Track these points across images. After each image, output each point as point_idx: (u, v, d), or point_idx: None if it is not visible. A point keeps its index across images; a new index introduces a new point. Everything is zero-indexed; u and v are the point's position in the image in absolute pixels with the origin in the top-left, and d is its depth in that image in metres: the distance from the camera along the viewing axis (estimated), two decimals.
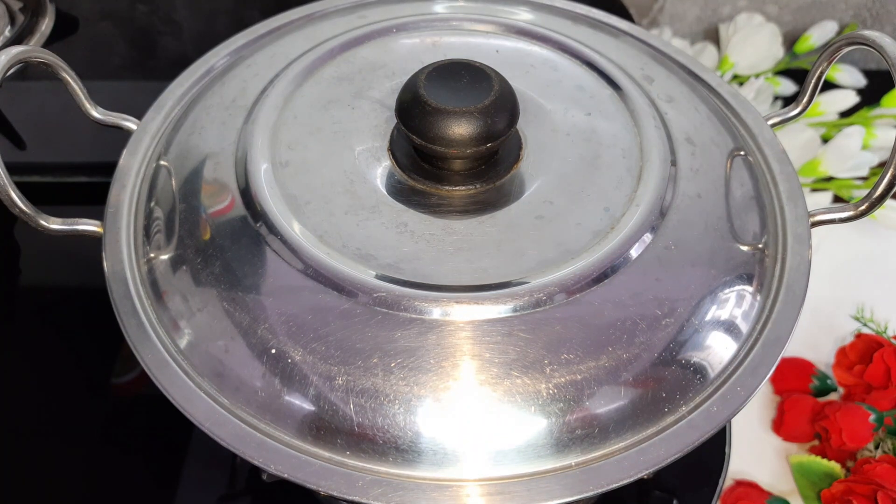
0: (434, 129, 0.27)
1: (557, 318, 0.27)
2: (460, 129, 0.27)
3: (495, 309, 0.26)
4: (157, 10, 0.63)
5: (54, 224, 0.30)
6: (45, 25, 0.58)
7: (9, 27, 0.57)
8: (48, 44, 0.57)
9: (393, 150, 0.31)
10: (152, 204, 0.31)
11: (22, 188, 0.29)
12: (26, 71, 0.56)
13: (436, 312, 0.26)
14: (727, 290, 0.29)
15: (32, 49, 0.30)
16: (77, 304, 0.50)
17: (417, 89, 0.28)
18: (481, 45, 0.35)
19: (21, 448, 0.44)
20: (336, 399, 0.26)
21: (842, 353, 0.48)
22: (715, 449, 0.43)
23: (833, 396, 0.48)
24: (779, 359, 0.28)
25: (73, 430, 0.45)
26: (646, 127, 0.32)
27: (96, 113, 0.34)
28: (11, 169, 0.28)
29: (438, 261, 0.27)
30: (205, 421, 0.27)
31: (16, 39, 0.56)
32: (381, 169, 0.30)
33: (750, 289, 0.30)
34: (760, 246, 0.31)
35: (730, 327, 0.29)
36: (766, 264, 0.30)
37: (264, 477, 0.34)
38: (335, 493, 0.25)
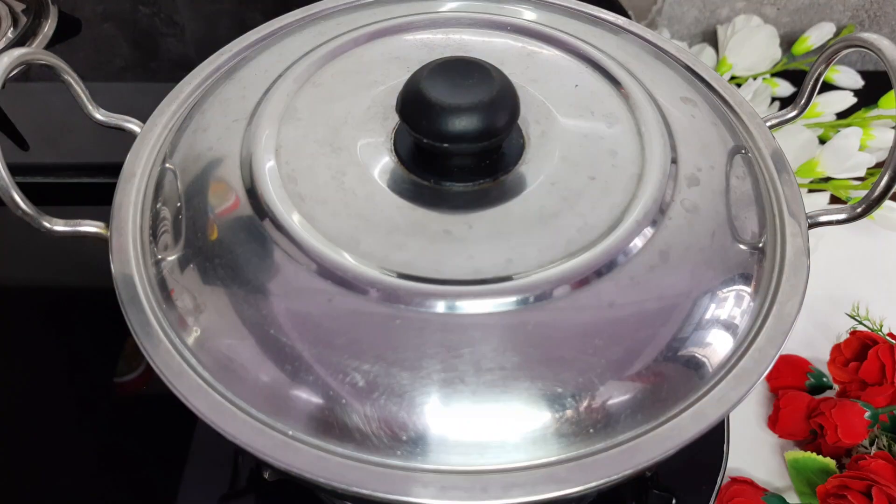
0: (435, 124, 0.28)
1: (557, 313, 0.27)
2: (461, 124, 0.28)
3: (496, 303, 0.27)
4: (160, 11, 0.63)
5: (57, 226, 0.30)
6: (48, 27, 0.58)
7: (11, 29, 0.57)
8: (51, 45, 0.58)
9: (396, 147, 0.31)
10: (159, 205, 0.32)
11: (25, 189, 0.29)
12: (29, 72, 0.57)
13: (440, 307, 0.27)
14: (726, 290, 0.29)
15: (35, 51, 0.31)
16: (79, 302, 0.50)
17: (419, 86, 0.28)
18: (483, 42, 0.35)
19: (23, 447, 0.44)
20: (343, 394, 0.26)
21: (836, 350, 0.49)
22: (713, 448, 0.43)
23: (829, 393, 0.49)
24: (775, 359, 0.28)
25: (75, 429, 0.45)
26: (647, 124, 0.32)
27: (98, 115, 0.35)
28: (14, 170, 0.28)
29: (441, 256, 0.28)
30: (224, 425, 0.27)
31: (18, 41, 0.56)
32: (384, 165, 0.31)
33: (748, 289, 0.30)
34: (760, 245, 0.31)
35: (728, 326, 0.29)
36: (765, 265, 0.31)
37: (266, 476, 0.34)
38: (354, 489, 0.25)
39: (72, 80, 0.33)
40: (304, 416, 0.26)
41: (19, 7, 0.59)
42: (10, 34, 0.57)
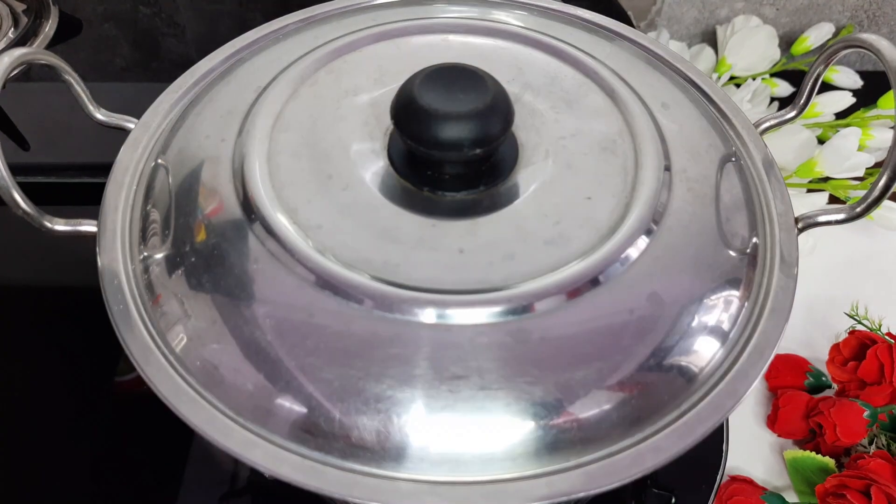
0: (428, 132, 0.28)
1: (550, 322, 0.27)
2: (454, 132, 0.27)
3: (488, 312, 0.26)
4: (160, 12, 0.63)
5: (58, 226, 0.30)
6: (49, 27, 0.58)
7: (12, 29, 0.58)
8: (51, 45, 0.58)
9: (390, 154, 0.31)
10: (149, 206, 0.31)
11: (25, 189, 0.29)
12: (30, 72, 0.57)
13: (431, 315, 0.26)
14: (718, 296, 0.29)
15: (36, 51, 0.31)
16: (79, 302, 0.50)
17: (412, 93, 0.28)
18: (477, 49, 0.35)
19: (23, 447, 0.44)
20: (330, 402, 0.26)
21: (835, 349, 0.49)
22: (713, 447, 0.43)
23: (827, 393, 0.49)
24: (768, 363, 0.28)
25: (75, 428, 0.45)
26: (640, 132, 0.32)
27: (99, 115, 0.35)
28: (15, 170, 0.28)
29: (434, 264, 0.28)
30: (203, 426, 0.27)
31: (19, 41, 0.56)
32: (378, 172, 0.30)
33: (739, 294, 0.30)
34: (751, 251, 0.31)
35: (720, 332, 0.29)
36: (756, 270, 0.31)
37: (267, 475, 0.35)
38: (339, 496, 0.25)
39: (72, 80, 0.33)
40: (288, 424, 0.26)
41: (20, 7, 0.60)
42: (10, 34, 0.57)
